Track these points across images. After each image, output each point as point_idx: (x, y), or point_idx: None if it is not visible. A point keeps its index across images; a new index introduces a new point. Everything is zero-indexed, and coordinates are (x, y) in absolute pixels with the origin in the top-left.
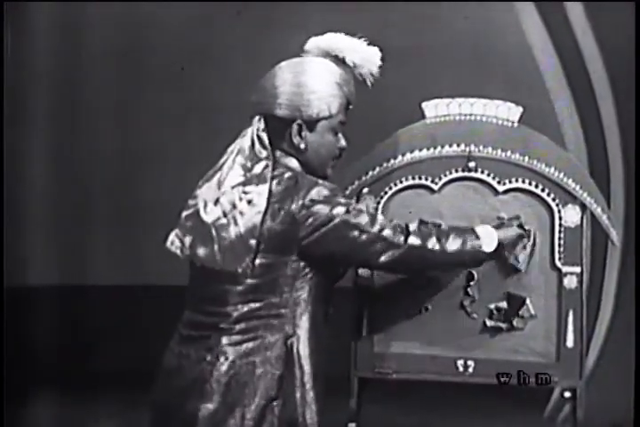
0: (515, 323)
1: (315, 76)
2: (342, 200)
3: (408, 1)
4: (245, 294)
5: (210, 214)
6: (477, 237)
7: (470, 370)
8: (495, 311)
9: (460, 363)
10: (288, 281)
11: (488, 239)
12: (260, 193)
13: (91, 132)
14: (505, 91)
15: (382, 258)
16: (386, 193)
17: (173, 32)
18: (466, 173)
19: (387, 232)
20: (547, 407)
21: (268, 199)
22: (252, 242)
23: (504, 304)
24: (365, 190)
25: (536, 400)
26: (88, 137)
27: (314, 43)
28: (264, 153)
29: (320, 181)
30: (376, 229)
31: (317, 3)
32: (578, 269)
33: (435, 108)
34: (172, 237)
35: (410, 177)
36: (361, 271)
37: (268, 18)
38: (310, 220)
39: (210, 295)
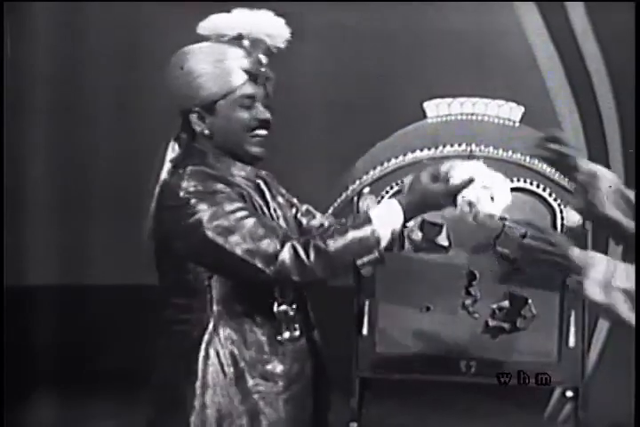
0: (517, 323)
1: (194, 60)
2: (213, 202)
3: (410, 1)
4: (165, 295)
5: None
6: (369, 223)
7: (472, 370)
8: (497, 311)
9: (462, 363)
10: (190, 283)
11: (384, 220)
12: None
13: (91, 132)
14: (505, 90)
15: (257, 279)
16: (387, 193)
17: (173, 32)
18: None
19: (252, 253)
20: (547, 407)
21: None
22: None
23: (506, 304)
24: (366, 190)
25: (537, 400)
26: (88, 137)
27: (205, 24)
28: (179, 145)
29: (191, 180)
30: (240, 251)
31: (318, 3)
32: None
33: (436, 108)
34: None
35: (411, 177)
36: (363, 271)
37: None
38: (174, 221)
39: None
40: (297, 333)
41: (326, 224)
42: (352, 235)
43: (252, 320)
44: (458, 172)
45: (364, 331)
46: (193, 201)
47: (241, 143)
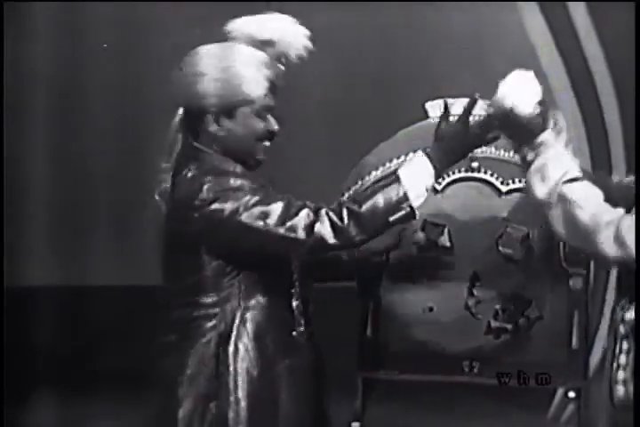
0: (520, 324)
1: (228, 61)
2: (239, 195)
3: (413, 1)
4: (179, 295)
5: (165, 213)
6: (399, 184)
7: (475, 371)
8: (500, 312)
9: (465, 364)
10: (211, 281)
11: (413, 179)
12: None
13: (91, 132)
14: None
15: (295, 254)
16: None
17: (173, 32)
18: (469, 174)
19: (292, 229)
20: (550, 408)
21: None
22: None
23: (509, 305)
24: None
25: (540, 401)
26: (88, 137)
27: (234, 25)
28: (175, 148)
29: (211, 179)
30: (282, 229)
31: (319, 3)
32: (583, 271)
33: (438, 108)
34: None
35: None
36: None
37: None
38: (204, 219)
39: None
40: (304, 328)
41: None
42: (382, 196)
43: (274, 314)
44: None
45: (368, 331)
46: (222, 197)
47: (250, 150)
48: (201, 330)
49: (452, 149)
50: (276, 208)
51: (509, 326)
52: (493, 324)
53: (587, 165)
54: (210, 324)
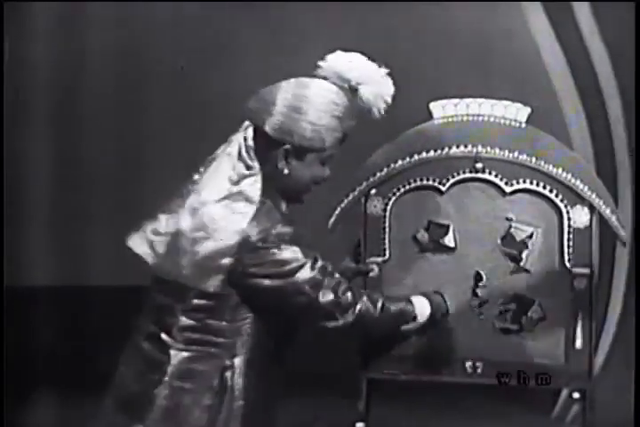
0: (524, 324)
1: (317, 105)
2: (305, 251)
3: (416, 1)
4: (187, 312)
5: (188, 224)
6: (412, 305)
7: (479, 371)
8: (504, 312)
9: (468, 364)
10: (229, 310)
11: (420, 309)
12: (243, 213)
13: (91, 132)
14: (512, 91)
15: (325, 325)
16: (394, 194)
17: (174, 32)
18: (473, 174)
19: (335, 304)
20: (555, 408)
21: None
22: (226, 261)
23: (513, 305)
24: (373, 192)
25: (544, 401)
26: (88, 137)
27: (332, 63)
28: (253, 166)
29: (282, 219)
30: (326, 301)
31: (321, 3)
32: (587, 271)
33: (442, 109)
34: (139, 239)
35: (417, 178)
36: (371, 273)
37: (269, 18)
38: (264, 263)
39: (159, 307)
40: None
41: None
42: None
43: (275, 354)
44: None
45: None
46: (286, 247)
47: (303, 192)
48: (202, 356)
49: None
50: (329, 274)
51: (513, 327)
52: (497, 324)
53: (591, 167)
54: (213, 351)
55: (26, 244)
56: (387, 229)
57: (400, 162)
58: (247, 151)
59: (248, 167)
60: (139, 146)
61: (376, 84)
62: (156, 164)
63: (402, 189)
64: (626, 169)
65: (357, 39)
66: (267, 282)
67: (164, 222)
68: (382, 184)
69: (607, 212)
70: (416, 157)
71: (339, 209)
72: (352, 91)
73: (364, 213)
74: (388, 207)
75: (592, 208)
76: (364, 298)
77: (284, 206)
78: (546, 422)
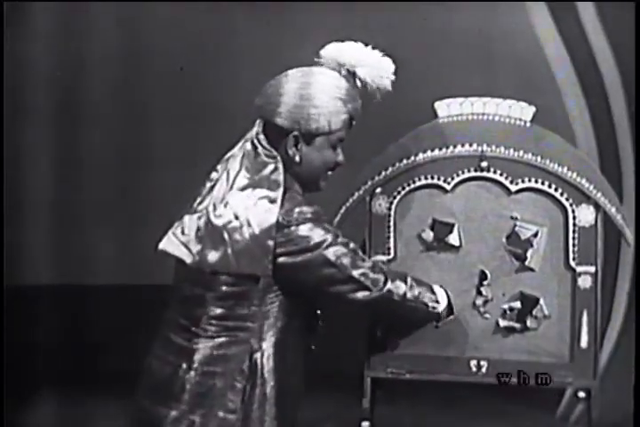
0: (528, 323)
1: (319, 90)
2: (327, 227)
3: (420, 1)
4: (216, 301)
5: (220, 218)
6: (433, 293)
7: (483, 370)
8: (508, 311)
9: (472, 363)
10: (258, 294)
11: (441, 298)
12: (271, 197)
13: (91, 132)
14: (516, 90)
15: (354, 297)
16: (399, 193)
17: (174, 32)
18: (478, 173)
19: (365, 276)
20: (559, 407)
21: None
22: (270, 243)
23: (517, 304)
24: (378, 190)
25: (549, 400)
26: (88, 137)
27: (329, 51)
28: (270, 154)
29: (303, 200)
30: (356, 272)
31: (323, 3)
32: (592, 269)
33: (447, 108)
34: (170, 242)
35: (422, 177)
36: None
37: (269, 18)
38: (290, 240)
39: (187, 299)
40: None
41: None
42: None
43: (300, 333)
44: None
45: (378, 331)
46: (308, 222)
47: (317, 178)
48: (231, 340)
49: None
50: (353, 250)
51: (517, 326)
52: (501, 323)
53: (596, 165)
54: (242, 335)
55: (26, 243)
56: (392, 228)
57: (405, 161)
58: (260, 143)
59: (266, 156)
60: (139, 146)
61: (371, 65)
62: (157, 164)
63: (407, 188)
64: (630, 168)
65: (359, 39)
66: (297, 259)
67: (190, 222)
68: (387, 183)
69: (612, 210)
70: (421, 155)
71: (344, 208)
72: (351, 74)
73: (369, 211)
74: (393, 206)
75: (597, 207)
76: (392, 274)
77: (301, 195)
78: (550, 422)
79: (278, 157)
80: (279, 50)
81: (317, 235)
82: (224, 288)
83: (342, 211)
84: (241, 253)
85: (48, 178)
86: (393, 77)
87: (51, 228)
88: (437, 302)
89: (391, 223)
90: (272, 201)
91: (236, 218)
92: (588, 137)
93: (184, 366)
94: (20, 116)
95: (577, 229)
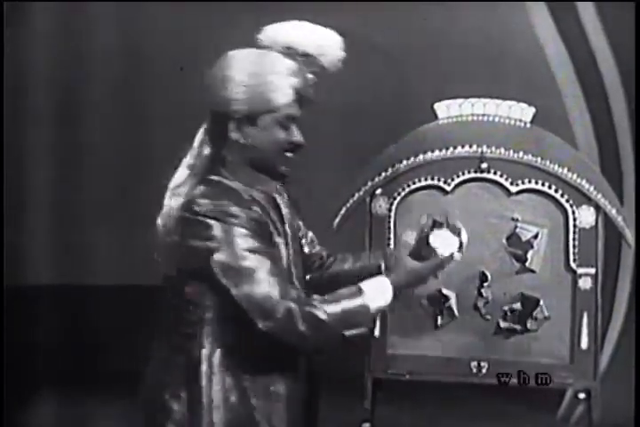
0: (528, 324)
1: (256, 68)
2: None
3: (420, 1)
4: (166, 306)
5: (160, 218)
6: (361, 295)
7: (484, 371)
8: (509, 313)
9: (473, 364)
10: (193, 298)
11: (374, 294)
12: (178, 192)
13: (91, 132)
14: (516, 91)
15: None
16: (399, 194)
17: (174, 32)
18: (478, 174)
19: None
20: (560, 408)
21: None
22: (168, 239)
23: (518, 306)
24: (378, 191)
25: (549, 401)
26: (88, 137)
27: (268, 32)
28: (205, 149)
29: (221, 192)
30: (236, 292)
31: (323, 3)
32: (592, 271)
33: (447, 109)
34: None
35: (422, 178)
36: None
37: (269, 18)
38: (185, 234)
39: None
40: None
41: (324, 256)
42: (344, 305)
43: (242, 337)
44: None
45: (377, 332)
46: (206, 221)
47: (271, 161)
48: (174, 348)
49: (411, 283)
50: (252, 272)
51: (518, 327)
52: (502, 324)
53: (596, 167)
54: (182, 342)
55: (26, 244)
56: (392, 229)
57: (405, 162)
58: (204, 136)
59: (202, 152)
60: (139, 146)
61: (316, 41)
62: (157, 164)
63: (407, 189)
64: (631, 168)
65: (360, 40)
66: (189, 258)
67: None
68: (387, 184)
69: (613, 212)
70: (421, 157)
71: (344, 209)
72: (295, 52)
73: (369, 212)
74: (394, 207)
75: (598, 208)
76: (291, 308)
77: (256, 181)
78: (551, 423)
79: (210, 152)
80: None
81: (210, 236)
82: (168, 294)
83: (342, 212)
84: (162, 255)
85: (48, 178)
86: (341, 52)
87: (51, 228)
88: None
89: (391, 224)
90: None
91: (165, 218)
92: (589, 138)
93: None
94: (21, 117)
95: (577, 230)
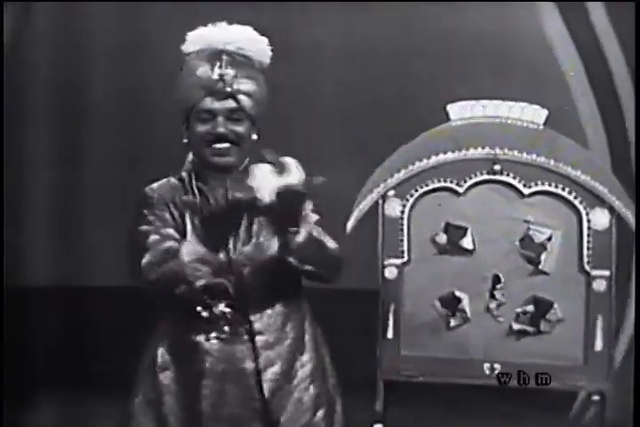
0: (541, 327)
1: (181, 75)
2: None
3: (430, 1)
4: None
5: None
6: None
7: (496, 373)
8: (522, 315)
9: (486, 366)
10: None
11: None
12: None
13: (91, 132)
14: (527, 93)
15: None
16: (411, 196)
17: (174, 32)
18: (491, 176)
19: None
20: (572, 410)
21: None
22: None
23: (531, 308)
24: (391, 193)
25: (561, 403)
26: (88, 137)
27: (192, 36)
28: None
29: (164, 183)
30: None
31: (331, 3)
32: (607, 273)
33: (459, 111)
34: None
35: (435, 180)
36: (387, 274)
37: (269, 18)
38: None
39: None
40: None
41: None
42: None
43: (188, 322)
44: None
45: (390, 334)
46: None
47: (202, 155)
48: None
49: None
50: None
51: (531, 329)
52: (515, 326)
53: (608, 169)
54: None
55: (26, 244)
56: (405, 231)
57: (418, 163)
58: None
59: None
60: (139, 146)
61: (241, 40)
62: (157, 164)
63: (419, 191)
64: None
65: (370, 41)
66: None
67: None
68: (400, 186)
69: (628, 214)
70: (434, 158)
71: (357, 211)
72: (219, 53)
73: (382, 214)
74: (406, 209)
75: (612, 210)
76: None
77: (210, 177)
78: (563, 425)
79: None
80: (280, 49)
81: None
82: None
83: (355, 214)
84: None
85: (48, 178)
86: (268, 50)
87: (51, 228)
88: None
89: (404, 226)
90: None
91: None
92: (600, 139)
93: None
94: (20, 117)
95: (591, 232)
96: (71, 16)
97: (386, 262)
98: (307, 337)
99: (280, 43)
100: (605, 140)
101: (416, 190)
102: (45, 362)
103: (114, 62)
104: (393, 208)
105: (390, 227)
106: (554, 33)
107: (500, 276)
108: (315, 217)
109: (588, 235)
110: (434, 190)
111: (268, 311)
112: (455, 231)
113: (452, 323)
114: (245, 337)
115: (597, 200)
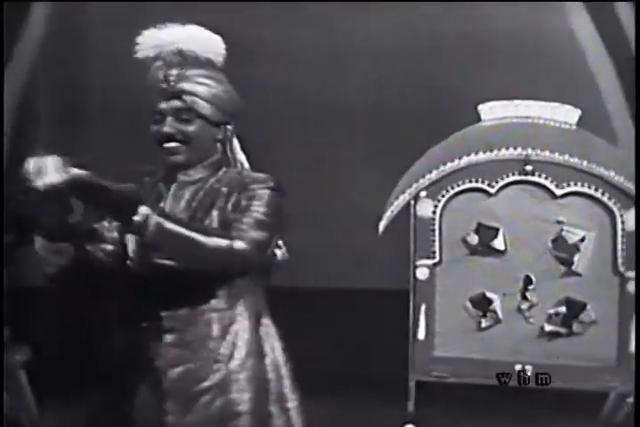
0: (574, 328)
1: None
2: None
3: (462, 1)
4: None
5: None
6: None
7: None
8: (554, 316)
9: (517, 367)
10: None
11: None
12: None
13: (90, 132)
14: (557, 93)
15: None
16: (443, 196)
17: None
18: (523, 177)
19: None
20: (602, 412)
21: None
22: None
23: (563, 309)
24: (423, 194)
25: (592, 405)
26: (88, 137)
27: (145, 37)
28: None
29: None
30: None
31: (352, 3)
32: None
33: (490, 111)
34: None
35: (466, 180)
36: (419, 275)
37: (268, 18)
38: None
39: None
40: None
41: None
42: None
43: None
44: None
45: (421, 335)
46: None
47: (161, 154)
48: None
49: None
50: None
51: (563, 330)
52: (547, 328)
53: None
54: None
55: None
56: (437, 232)
57: (449, 164)
58: None
59: None
60: (139, 146)
61: (194, 41)
62: (157, 164)
63: (451, 192)
64: None
65: (404, 42)
66: None
67: None
68: (432, 186)
69: None
70: (465, 159)
71: (389, 212)
72: (171, 53)
73: (413, 215)
74: (438, 209)
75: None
76: None
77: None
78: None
79: None
80: (280, 49)
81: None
82: None
83: (387, 214)
84: None
85: None
86: (220, 49)
87: None
88: None
89: (436, 227)
90: None
91: None
92: (630, 139)
93: None
94: (21, 117)
95: (625, 233)
96: (71, 16)
97: (417, 263)
98: (240, 342)
99: (306, 44)
100: (635, 139)
101: (447, 191)
102: (45, 362)
103: (114, 62)
104: (425, 209)
105: (422, 227)
106: (583, 33)
107: (532, 277)
108: (258, 216)
109: (623, 236)
110: (465, 191)
111: (183, 309)
112: (487, 232)
113: (484, 324)
114: (156, 334)
115: (631, 201)
